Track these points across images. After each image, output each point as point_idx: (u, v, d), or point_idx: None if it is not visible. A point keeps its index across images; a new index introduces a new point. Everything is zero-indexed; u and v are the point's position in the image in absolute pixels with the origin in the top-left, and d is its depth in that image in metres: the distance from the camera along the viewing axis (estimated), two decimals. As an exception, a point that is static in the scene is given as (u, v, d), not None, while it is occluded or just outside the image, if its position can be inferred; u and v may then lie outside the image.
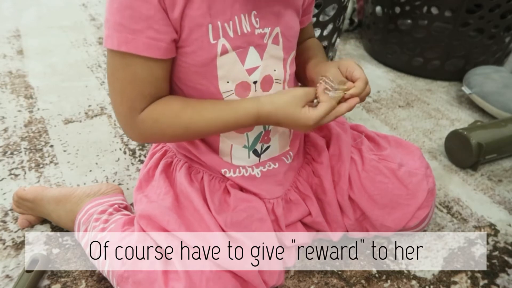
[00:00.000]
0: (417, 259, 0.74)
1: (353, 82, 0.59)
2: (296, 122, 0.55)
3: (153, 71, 0.53)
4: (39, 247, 0.72)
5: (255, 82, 0.59)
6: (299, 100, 0.55)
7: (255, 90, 0.59)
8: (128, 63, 0.52)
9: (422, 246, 0.76)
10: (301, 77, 0.68)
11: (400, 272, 0.71)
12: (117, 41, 0.50)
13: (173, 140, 0.65)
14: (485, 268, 0.73)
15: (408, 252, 0.75)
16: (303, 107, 0.55)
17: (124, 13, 0.49)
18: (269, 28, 0.58)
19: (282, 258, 0.66)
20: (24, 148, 0.95)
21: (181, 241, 0.58)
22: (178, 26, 0.52)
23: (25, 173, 0.88)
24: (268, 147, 0.66)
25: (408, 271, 0.71)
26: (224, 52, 0.55)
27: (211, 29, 0.54)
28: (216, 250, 0.57)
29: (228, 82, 0.57)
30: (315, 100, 0.57)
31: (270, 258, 0.62)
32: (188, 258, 0.56)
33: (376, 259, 0.73)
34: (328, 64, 0.62)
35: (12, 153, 0.93)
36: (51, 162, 0.91)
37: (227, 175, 0.64)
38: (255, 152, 0.65)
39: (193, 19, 0.52)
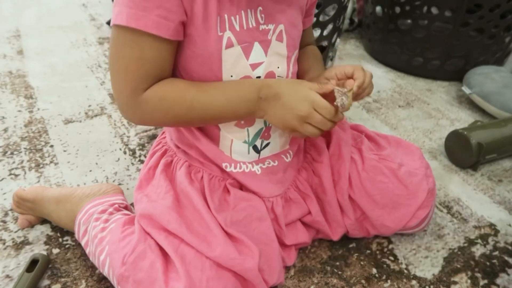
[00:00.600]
0: (417, 259, 0.74)
1: (351, 78, 0.59)
2: (295, 93, 0.55)
3: (161, 51, 0.53)
4: (39, 247, 0.72)
5: (258, 78, 0.59)
6: (303, 81, 0.57)
7: None
8: (136, 41, 0.52)
9: (422, 246, 0.76)
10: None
11: (400, 272, 0.71)
12: (127, 17, 0.50)
13: (173, 122, 0.61)
14: (485, 268, 0.73)
15: (408, 252, 0.75)
16: (306, 87, 0.56)
17: None
18: (273, 25, 0.59)
19: (282, 257, 0.66)
20: (24, 148, 0.95)
21: (181, 241, 0.58)
22: (188, 9, 0.52)
23: (25, 173, 0.88)
24: (268, 143, 0.66)
25: (408, 271, 0.71)
26: (230, 45, 0.56)
27: (219, 21, 0.54)
28: (216, 249, 0.57)
29: (232, 76, 0.58)
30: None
31: (270, 257, 0.62)
32: (188, 258, 0.56)
33: (376, 259, 0.73)
34: (329, 71, 0.63)
35: (12, 153, 0.93)
36: (51, 162, 0.91)
37: (228, 169, 0.64)
38: (255, 148, 0.65)
39: (204, 7, 0.53)
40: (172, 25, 0.52)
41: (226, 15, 0.55)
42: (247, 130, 0.63)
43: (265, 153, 0.66)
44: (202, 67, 0.57)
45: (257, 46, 0.58)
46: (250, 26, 0.57)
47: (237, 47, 0.57)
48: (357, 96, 0.60)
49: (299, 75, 0.67)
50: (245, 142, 0.64)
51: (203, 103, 0.56)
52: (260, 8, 0.57)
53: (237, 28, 0.56)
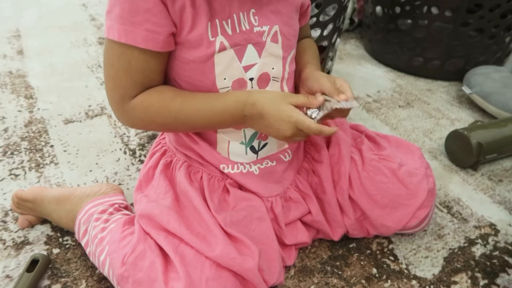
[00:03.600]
0: (417, 259, 0.74)
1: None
2: (279, 114, 0.55)
3: (149, 63, 0.55)
4: (40, 247, 0.72)
5: (251, 79, 0.59)
6: (287, 96, 0.57)
7: (252, 87, 0.60)
8: (125, 53, 0.54)
9: (422, 246, 0.76)
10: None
11: (400, 272, 0.71)
12: (118, 33, 0.52)
13: (162, 129, 0.67)
14: (485, 268, 0.73)
15: (408, 252, 0.75)
16: (290, 104, 0.56)
17: (124, 6, 0.51)
18: (268, 26, 0.58)
19: (282, 257, 0.66)
20: (24, 148, 0.95)
21: (181, 241, 0.58)
22: (177, 20, 0.53)
23: (25, 173, 0.88)
24: (265, 144, 0.66)
25: (408, 271, 0.71)
26: (222, 49, 0.56)
27: (210, 26, 0.54)
28: (216, 249, 0.57)
29: (225, 79, 0.58)
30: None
31: (269, 257, 0.62)
32: (188, 258, 0.56)
33: (376, 259, 0.73)
34: (323, 78, 0.61)
35: (12, 153, 0.93)
36: (51, 162, 0.91)
37: (226, 171, 0.64)
38: (252, 148, 0.65)
39: (193, 15, 0.53)
40: (161, 38, 0.53)
41: (217, 20, 0.55)
42: (244, 132, 0.63)
43: (263, 153, 0.66)
44: (194, 71, 0.57)
45: (250, 48, 0.58)
46: (243, 29, 0.57)
47: (230, 50, 0.57)
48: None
49: (297, 69, 0.67)
50: (242, 143, 0.64)
51: (187, 115, 0.57)
52: (253, 10, 0.57)
53: (230, 32, 0.56)
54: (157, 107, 0.57)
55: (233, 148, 0.64)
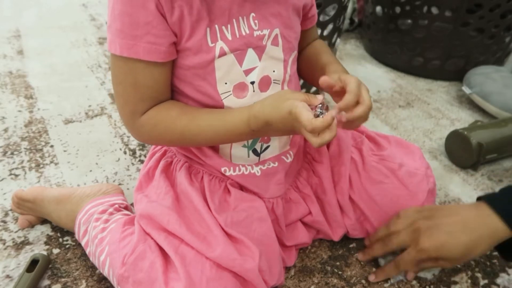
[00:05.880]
0: (417, 259, 0.74)
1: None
2: (280, 114, 0.52)
3: (154, 75, 0.55)
4: (40, 247, 0.72)
5: (252, 83, 0.59)
6: (285, 93, 0.54)
7: (253, 91, 0.59)
8: (130, 68, 0.54)
9: (422, 246, 0.76)
10: (315, 83, 0.61)
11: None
12: (120, 47, 0.52)
13: (170, 144, 0.67)
14: (485, 268, 0.73)
15: (408, 252, 0.75)
16: (288, 100, 0.52)
17: (124, 20, 0.51)
18: (268, 30, 0.58)
19: (282, 258, 0.66)
20: (24, 148, 0.95)
21: (181, 241, 0.58)
22: (177, 29, 0.53)
23: (25, 173, 0.88)
24: (267, 146, 0.66)
25: (408, 271, 0.71)
26: (222, 54, 0.56)
27: (209, 32, 0.54)
28: (216, 249, 0.57)
29: (226, 83, 0.58)
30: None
31: (270, 258, 0.62)
32: (188, 258, 0.56)
33: (376, 259, 0.73)
34: (351, 82, 0.54)
35: (12, 153, 0.93)
36: (51, 162, 0.91)
37: (227, 173, 0.64)
38: (255, 151, 0.65)
39: (192, 23, 0.53)
40: (163, 49, 0.53)
41: (216, 26, 0.55)
42: None
43: (265, 155, 0.66)
44: (195, 77, 0.57)
45: (250, 52, 0.58)
46: (243, 33, 0.56)
47: (230, 55, 0.56)
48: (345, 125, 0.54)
49: (319, 70, 0.62)
50: (244, 146, 0.64)
51: (192, 133, 0.58)
52: (252, 14, 0.57)
53: (229, 37, 0.56)
54: (164, 125, 0.57)
55: (235, 151, 0.64)
